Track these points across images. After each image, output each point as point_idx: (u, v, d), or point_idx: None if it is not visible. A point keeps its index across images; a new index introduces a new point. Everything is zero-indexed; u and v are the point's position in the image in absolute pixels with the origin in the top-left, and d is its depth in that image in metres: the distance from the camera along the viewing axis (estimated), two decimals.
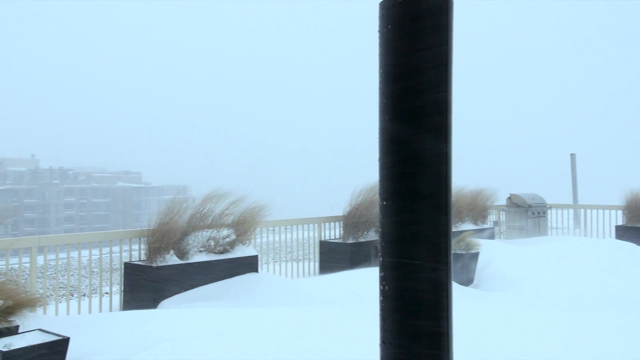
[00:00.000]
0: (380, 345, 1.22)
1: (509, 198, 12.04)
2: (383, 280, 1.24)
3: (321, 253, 8.99)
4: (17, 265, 5.88)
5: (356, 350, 3.61)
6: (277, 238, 9.65)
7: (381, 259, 1.25)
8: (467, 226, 10.68)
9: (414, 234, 1.15)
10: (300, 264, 8.98)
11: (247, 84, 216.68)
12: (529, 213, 11.64)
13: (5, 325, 3.80)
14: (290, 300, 6.10)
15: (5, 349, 3.41)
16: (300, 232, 9.09)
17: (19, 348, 3.45)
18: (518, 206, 11.79)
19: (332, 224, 9.39)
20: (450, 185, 1.16)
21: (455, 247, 7.52)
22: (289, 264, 8.82)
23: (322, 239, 9.17)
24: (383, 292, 1.24)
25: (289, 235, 9.23)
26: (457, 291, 6.08)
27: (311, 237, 9.23)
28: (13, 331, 3.81)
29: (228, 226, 7.09)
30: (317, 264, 9.12)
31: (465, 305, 4.93)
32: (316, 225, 9.23)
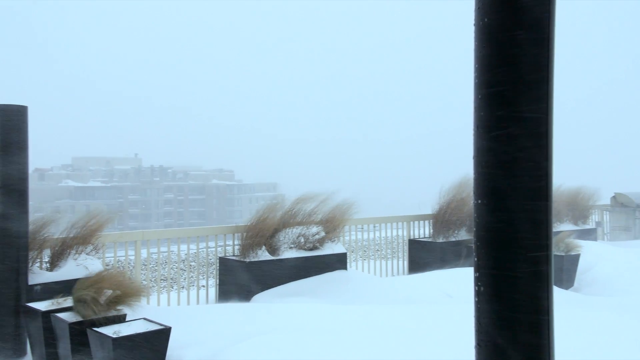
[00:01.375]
0: (476, 347, 1.19)
1: (614, 197, 11.27)
2: (478, 281, 1.21)
3: (410, 251, 8.89)
4: (124, 258, 6.31)
5: (448, 352, 3.54)
6: (365, 236, 9.66)
7: (476, 259, 1.22)
8: (567, 226, 10.12)
9: (511, 234, 1.11)
10: (389, 262, 8.93)
11: (338, 82, 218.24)
12: (636, 213, 10.83)
13: (114, 313, 4.09)
14: (380, 298, 6.08)
15: (114, 335, 3.68)
16: (389, 230, 9.04)
17: (126, 335, 3.71)
18: (624, 206, 11.00)
19: (421, 222, 9.25)
20: (551, 183, 1.11)
21: (553, 249, 7.16)
22: (378, 262, 8.80)
23: (411, 237, 9.06)
24: (478, 293, 1.20)
25: (377, 233, 9.19)
26: (556, 294, 5.78)
27: (400, 235, 9.14)
28: (121, 319, 4.09)
29: (317, 223, 7.19)
30: (406, 263, 9.02)
31: (565, 310, 4.68)
32: (405, 223, 9.14)
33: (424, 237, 9.09)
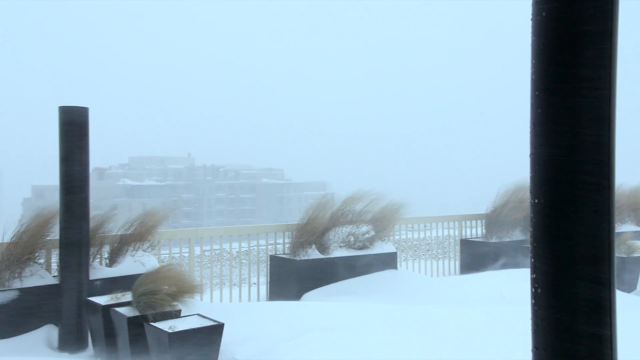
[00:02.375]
0: (533, 350, 1.17)
1: None
2: (535, 282, 1.18)
3: (462, 252, 8.74)
4: (178, 255, 6.49)
5: (504, 353, 3.46)
6: (415, 235, 9.56)
7: (532, 260, 1.19)
8: (629, 227, 9.69)
9: (569, 234, 1.08)
10: (440, 262, 8.81)
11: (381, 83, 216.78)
12: None
13: (169, 308, 4.22)
14: (431, 298, 6.01)
15: (170, 330, 3.79)
16: (440, 230, 8.92)
17: (181, 330, 3.82)
18: None
19: (474, 222, 9.08)
20: (613, 182, 1.07)
21: (615, 250, 6.88)
22: (428, 261, 8.69)
23: (463, 237, 8.91)
24: (535, 295, 1.18)
25: (428, 233, 9.08)
26: (617, 298, 5.55)
27: (451, 235, 9.00)
28: (176, 314, 4.21)
29: (367, 222, 7.17)
30: (457, 263, 8.88)
31: (627, 314, 4.49)
32: (457, 223, 8.99)
33: (477, 237, 8.91)
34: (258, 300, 6.84)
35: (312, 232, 6.73)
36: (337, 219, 7.06)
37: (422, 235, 9.26)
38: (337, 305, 5.28)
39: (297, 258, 6.56)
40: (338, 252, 6.81)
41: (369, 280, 6.77)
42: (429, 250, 9.32)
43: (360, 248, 7.01)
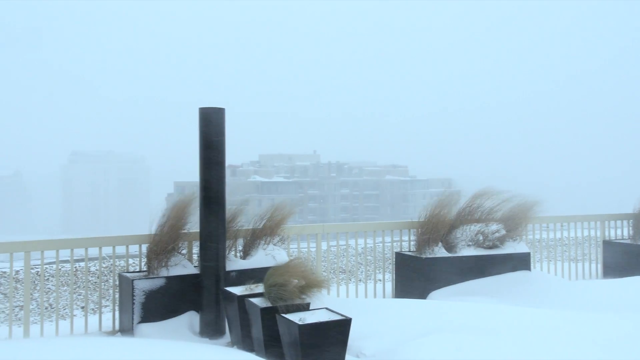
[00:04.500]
0: None
1: None
2: None
3: (605, 254, 8.06)
4: (305, 249, 6.68)
5: None
6: (551, 235, 8.97)
7: None
8: None
9: None
10: (579, 264, 8.19)
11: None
12: None
13: (299, 301, 4.36)
14: (569, 302, 5.60)
15: (300, 322, 3.92)
16: (578, 230, 8.28)
17: (311, 323, 3.93)
18: None
19: (618, 222, 8.32)
20: None
21: None
22: (565, 264, 8.11)
23: (606, 238, 8.20)
24: None
25: (565, 233, 8.48)
26: None
27: (592, 235, 8.32)
28: (305, 307, 4.34)
29: (497, 221, 6.86)
30: (599, 266, 8.19)
31: None
32: (598, 222, 8.30)
33: (622, 239, 8.16)
34: (384, 297, 6.84)
35: (437, 229, 6.58)
36: (464, 217, 6.83)
37: (558, 235, 8.66)
38: (464, 306, 5.11)
39: (423, 256, 6.45)
40: (466, 251, 6.59)
41: (500, 281, 6.47)
42: (565, 251, 8.71)
43: (490, 247, 6.73)
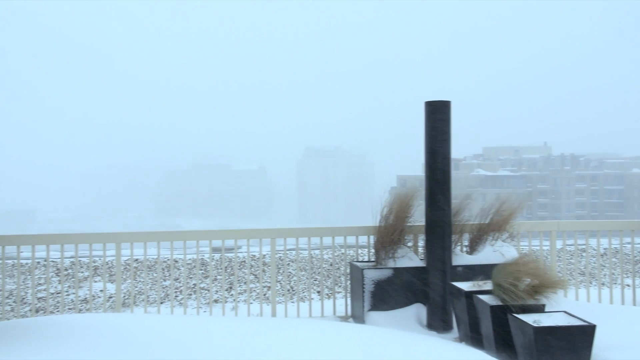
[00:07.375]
0: None
1: None
2: None
3: None
4: (537, 247, 6.23)
5: None
6: None
7: None
8: None
9: None
10: None
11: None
12: None
13: (532, 302, 4.08)
14: None
15: (535, 324, 3.67)
16: None
17: (548, 326, 3.65)
18: None
19: None
20: None
21: None
22: None
23: None
24: None
25: None
26: None
27: None
28: (539, 309, 4.05)
29: None
30: None
31: None
32: None
33: None
34: (634, 304, 6.02)
35: None
36: None
37: None
38: None
39: None
40: None
41: None
42: None
43: None
